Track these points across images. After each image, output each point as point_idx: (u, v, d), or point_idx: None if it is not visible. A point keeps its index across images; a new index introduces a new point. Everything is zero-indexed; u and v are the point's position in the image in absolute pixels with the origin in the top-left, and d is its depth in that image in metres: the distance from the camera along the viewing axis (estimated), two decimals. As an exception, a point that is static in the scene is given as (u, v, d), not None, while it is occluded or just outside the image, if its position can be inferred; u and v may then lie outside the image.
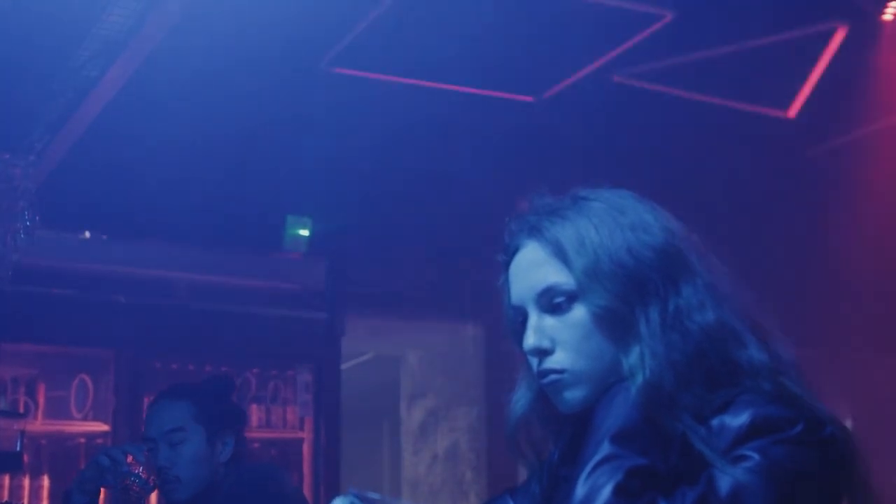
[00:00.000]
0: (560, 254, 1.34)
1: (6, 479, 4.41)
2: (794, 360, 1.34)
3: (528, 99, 4.94)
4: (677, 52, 4.58)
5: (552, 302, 1.34)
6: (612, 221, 1.34)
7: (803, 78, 4.90)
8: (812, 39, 4.57)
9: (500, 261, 1.43)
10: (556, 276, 1.34)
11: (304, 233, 5.06)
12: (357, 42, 4.31)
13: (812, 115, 5.13)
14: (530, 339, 1.35)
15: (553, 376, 1.34)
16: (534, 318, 1.36)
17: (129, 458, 2.48)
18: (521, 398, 1.43)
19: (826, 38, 4.59)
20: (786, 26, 4.44)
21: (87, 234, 4.59)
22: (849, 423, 1.32)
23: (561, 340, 1.34)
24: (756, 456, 1.20)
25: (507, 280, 1.42)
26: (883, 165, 5.63)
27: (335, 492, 4.61)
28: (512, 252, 1.41)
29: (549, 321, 1.35)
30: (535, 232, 1.38)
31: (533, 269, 1.37)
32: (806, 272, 5.97)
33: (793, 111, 5.16)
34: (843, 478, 1.26)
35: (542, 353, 1.34)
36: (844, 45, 4.61)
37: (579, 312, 1.33)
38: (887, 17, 4.58)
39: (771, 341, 1.34)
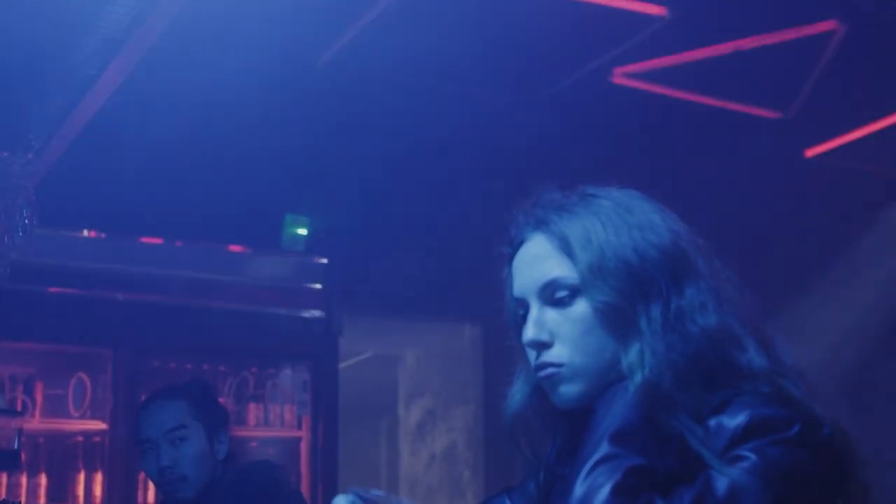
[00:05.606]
0: (566, 248, 1.35)
1: (4, 478, 4.41)
2: (795, 364, 1.34)
3: (527, 99, 4.94)
4: (675, 53, 4.58)
5: (555, 295, 1.35)
6: (620, 220, 1.35)
7: (801, 79, 4.90)
8: (810, 40, 4.57)
9: (505, 253, 1.44)
10: (561, 269, 1.35)
11: (303, 232, 5.06)
12: (356, 40, 4.31)
13: (810, 117, 5.14)
14: (530, 332, 1.35)
15: (550, 370, 1.34)
16: (535, 310, 1.36)
17: None
18: (517, 391, 1.44)
19: (824, 38, 4.59)
20: (784, 26, 4.44)
21: (86, 232, 4.59)
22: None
23: (561, 334, 1.34)
24: (753, 456, 1.21)
25: (510, 272, 1.42)
26: (881, 167, 5.63)
27: (333, 491, 4.61)
28: (517, 244, 1.41)
29: (551, 314, 1.35)
30: (541, 225, 1.38)
31: (538, 261, 1.37)
32: (804, 273, 5.98)
33: (791, 112, 5.16)
34: (840, 479, 1.26)
35: (541, 345, 1.35)
36: (843, 45, 4.61)
37: (581, 307, 1.33)
38: (886, 17, 4.58)
39: (772, 345, 1.35)
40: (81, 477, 4.51)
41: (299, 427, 4.98)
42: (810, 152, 5.60)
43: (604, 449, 1.23)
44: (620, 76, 4.71)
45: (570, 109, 4.91)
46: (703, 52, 4.56)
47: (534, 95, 4.90)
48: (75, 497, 4.49)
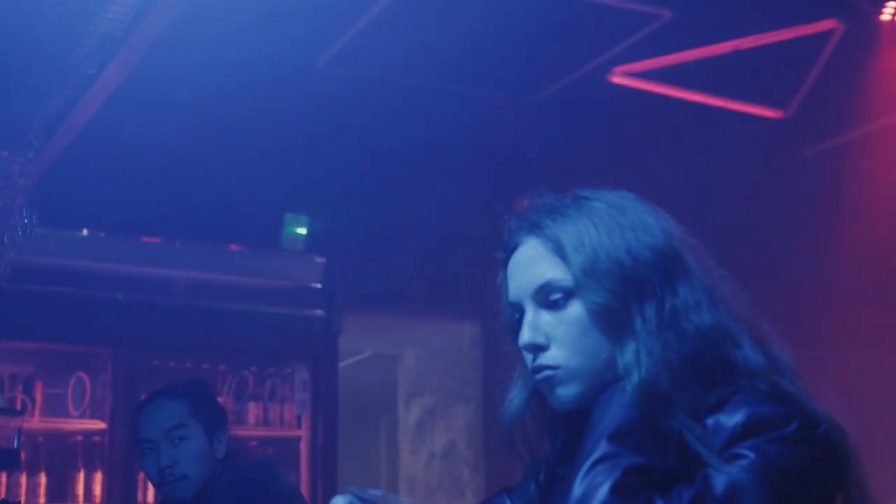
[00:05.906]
0: (559, 251, 1.35)
1: (3, 477, 4.41)
2: (790, 361, 1.35)
3: (526, 98, 4.94)
4: (675, 52, 4.59)
5: (549, 298, 1.35)
6: (613, 221, 1.35)
7: (801, 78, 4.90)
8: (810, 39, 4.57)
9: (499, 258, 1.44)
10: (554, 272, 1.35)
11: (302, 231, 5.06)
12: (356, 40, 4.31)
13: (809, 115, 5.14)
14: (525, 335, 1.36)
15: (547, 372, 1.34)
16: (530, 314, 1.36)
17: None
18: (515, 396, 1.44)
19: (824, 37, 4.60)
20: (783, 26, 4.45)
21: (85, 232, 4.59)
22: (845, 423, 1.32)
23: (556, 337, 1.34)
24: (751, 454, 1.21)
25: (505, 277, 1.43)
26: (880, 165, 5.64)
27: (332, 490, 4.61)
28: (511, 249, 1.42)
29: (546, 317, 1.35)
30: (535, 229, 1.38)
31: (531, 265, 1.37)
32: (803, 272, 5.98)
33: (790, 111, 5.16)
34: (838, 476, 1.26)
35: (537, 348, 1.35)
36: (842, 44, 4.61)
37: (576, 309, 1.33)
38: (885, 16, 4.58)
39: (767, 343, 1.35)
40: (81, 476, 4.51)
41: (299, 426, 4.98)
42: (810, 152, 5.60)
43: (602, 448, 1.23)
44: (620, 75, 4.71)
45: (569, 109, 4.92)
46: (702, 52, 4.56)
47: (533, 95, 4.91)
48: (75, 496, 4.49)
